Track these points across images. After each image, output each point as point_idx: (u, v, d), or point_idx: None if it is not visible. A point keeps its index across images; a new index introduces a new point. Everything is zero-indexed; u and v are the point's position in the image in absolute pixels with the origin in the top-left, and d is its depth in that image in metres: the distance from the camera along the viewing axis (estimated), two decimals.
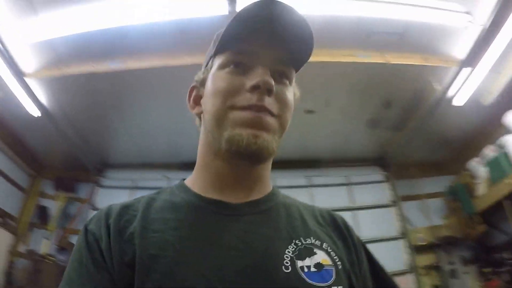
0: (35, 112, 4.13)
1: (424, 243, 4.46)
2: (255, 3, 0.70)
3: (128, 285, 0.59)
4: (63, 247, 4.51)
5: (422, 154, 4.80)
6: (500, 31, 2.93)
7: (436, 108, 3.86)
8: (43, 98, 4.12)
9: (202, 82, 0.81)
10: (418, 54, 3.51)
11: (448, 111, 3.90)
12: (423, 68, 3.54)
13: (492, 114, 3.95)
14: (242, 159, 0.70)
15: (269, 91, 0.69)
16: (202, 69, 0.83)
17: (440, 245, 4.47)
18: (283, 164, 4.55)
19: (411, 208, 4.68)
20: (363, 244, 0.81)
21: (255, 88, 0.69)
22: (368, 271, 0.77)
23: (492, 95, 3.61)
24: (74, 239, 4.19)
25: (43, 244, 4.56)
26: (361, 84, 3.78)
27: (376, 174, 4.71)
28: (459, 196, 4.47)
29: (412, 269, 4.31)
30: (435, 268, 4.42)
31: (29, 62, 3.85)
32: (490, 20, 2.91)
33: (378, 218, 4.48)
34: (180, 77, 3.55)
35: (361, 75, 3.68)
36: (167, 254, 0.60)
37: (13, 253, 4.38)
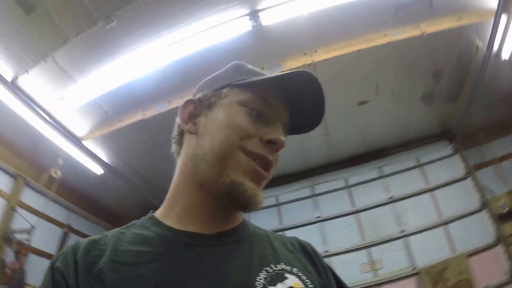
0: (98, 170, 4.40)
1: (508, 209, 4.15)
2: (302, 72, 0.72)
3: None
4: None
5: (485, 117, 4.51)
6: None
7: (486, 66, 3.63)
8: (102, 155, 4.37)
9: (208, 104, 0.78)
10: (451, 16, 3.36)
11: (499, 66, 3.66)
12: (460, 29, 3.38)
13: None
14: (234, 205, 0.70)
15: (277, 151, 0.73)
16: (209, 90, 0.80)
17: None
18: (352, 162, 4.54)
19: (487, 176, 4.39)
20: (330, 268, 0.81)
21: (270, 143, 0.70)
22: None
23: None
24: None
25: None
26: (405, 62, 3.67)
27: (445, 149, 4.48)
28: None
29: (500, 239, 4.03)
30: None
31: (81, 126, 4.17)
32: None
33: (456, 194, 4.25)
34: None
35: (402, 53, 3.57)
36: None
37: None
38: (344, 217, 4.30)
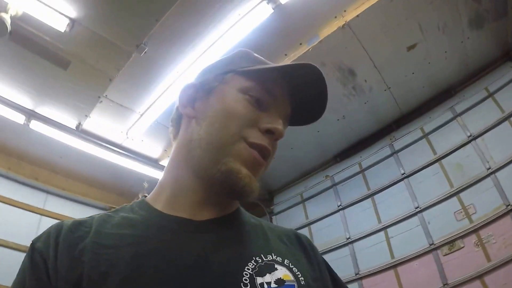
0: None
1: None
2: (307, 64, 0.73)
3: None
4: None
5: None
6: None
7: None
8: None
9: (209, 89, 0.76)
10: None
11: None
12: None
13: None
14: (228, 193, 0.70)
15: (276, 140, 0.73)
16: (211, 74, 0.78)
17: None
18: (423, 108, 4.33)
19: None
20: (326, 263, 0.80)
21: (268, 132, 0.70)
22: (331, 286, 0.76)
23: None
24: None
25: None
26: None
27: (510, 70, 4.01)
28: None
29: None
30: None
31: (154, 148, 4.48)
32: None
33: None
34: None
35: None
36: (118, 271, 0.56)
37: None
38: (428, 168, 4.06)
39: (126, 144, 4.39)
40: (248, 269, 0.62)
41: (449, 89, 4.22)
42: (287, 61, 3.68)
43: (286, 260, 0.67)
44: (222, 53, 3.49)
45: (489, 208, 3.44)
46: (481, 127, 3.77)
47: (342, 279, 0.81)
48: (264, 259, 0.65)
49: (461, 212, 3.61)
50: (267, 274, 0.62)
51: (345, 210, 4.53)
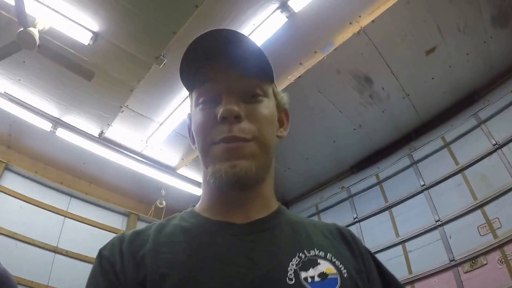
0: (198, 192, 4.80)
1: None
2: (194, 40, 0.72)
3: None
4: None
5: None
6: None
7: None
8: (199, 178, 4.78)
9: (191, 119, 0.82)
10: None
11: None
12: None
13: None
14: (228, 190, 0.72)
15: (236, 118, 0.70)
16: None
17: None
18: (444, 116, 4.19)
19: None
20: (371, 253, 0.80)
21: (223, 119, 0.70)
22: (378, 279, 0.76)
23: None
24: None
25: None
26: None
27: None
28: None
29: None
30: None
31: (172, 157, 4.61)
32: None
33: None
34: (304, 88, 3.80)
35: None
36: (176, 272, 0.63)
37: None
38: (450, 179, 3.90)
39: (146, 152, 4.56)
40: (293, 264, 0.65)
41: (472, 94, 4.03)
42: (301, 70, 3.69)
43: (328, 254, 0.70)
44: None
45: None
46: (507, 134, 3.55)
47: None
48: (307, 255, 0.68)
49: (485, 226, 3.42)
50: (311, 269, 0.65)
51: (361, 223, 4.43)
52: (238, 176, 0.68)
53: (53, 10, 3.12)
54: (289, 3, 3.22)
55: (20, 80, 3.75)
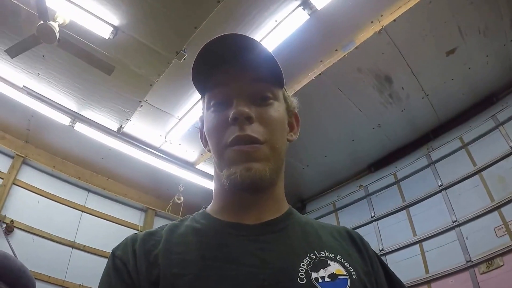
0: None
1: None
2: (208, 43, 0.74)
3: None
4: None
5: None
6: None
7: None
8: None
9: (203, 122, 0.84)
10: None
11: None
12: None
13: None
14: (243, 192, 0.73)
15: (248, 119, 0.71)
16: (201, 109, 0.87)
17: None
18: (463, 117, 4.18)
19: None
20: (378, 257, 0.81)
21: (235, 120, 0.71)
22: (385, 282, 0.77)
23: None
24: None
25: None
26: None
27: None
28: None
29: None
30: None
31: (190, 153, 4.63)
32: None
33: None
34: (324, 85, 3.80)
35: None
36: (188, 272, 0.64)
37: None
38: (467, 180, 3.89)
39: (164, 147, 4.54)
40: (303, 265, 0.66)
41: (491, 96, 4.03)
42: (322, 68, 3.68)
43: (338, 255, 0.71)
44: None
45: None
46: None
47: None
48: (318, 255, 0.69)
49: (502, 227, 3.42)
50: (321, 270, 0.66)
51: (379, 221, 4.43)
52: (253, 179, 0.69)
53: (74, 3, 3.11)
54: (312, 0, 3.19)
55: (39, 74, 3.74)
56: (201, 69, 0.76)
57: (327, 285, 0.64)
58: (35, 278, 1.61)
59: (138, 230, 4.85)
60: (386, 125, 4.29)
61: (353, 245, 0.78)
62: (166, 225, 0.80)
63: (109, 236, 4.46)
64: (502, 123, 3.82)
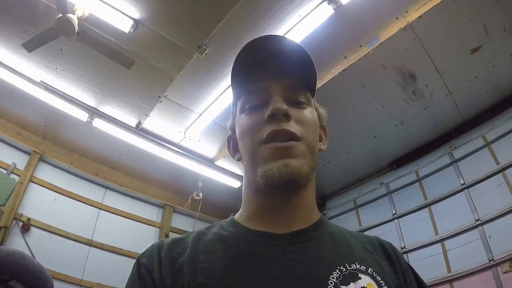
0: (236, 184, 4.78)
1: None
2: (248, 44, 0.75)
3: None
4: None
5: None
6: None
7: None
8: (237, 170, 4.75)
9: (233, 129, 0.84)
10: None
11: None
12: None
13: None
14: (279, 190, 0.71)
15: (285, 116, 0.71)
16: (231, 117, 0.87)
17: None
18: (486, 115, 4.13)
19: None
20: (411, 269, 0.79)
21: (272, 117, 0.71)
22: None
23: None
24: None
25: None
26: None
27: None
28: None
29: None
30: None
31: (210, 149, 4.61)
32: None
33: None
34: (348, 81, 3.74)
35: None
36: (213, 282, 0.63)
37: None
38: (490, 178, 3.85)
39: (183, 143, 4.50)
40: (333, 277, 0.64)
41: None
42: (346, 64, 3.63)
43: (370, 268, 0.68)
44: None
45: None
46: None
47: None
48: (348, 268, 0.67)
49: None
50: (351, 283, 0.64)
51: (400, 219, 4.39)
52: (292, 174, 0.67)
53: None
54: None
55: (57, 68, 3.68)
56: (239, 72, 0.77)
57: None
58: (52, 277, 1.58)
59: (156, 226, 4.84)
60: (409, 122, 4.25)
61: (385, 257, 0.76)
62: (193, 232, 0.79)
63: (127, 234, 4.43)
64: None
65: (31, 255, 1.46)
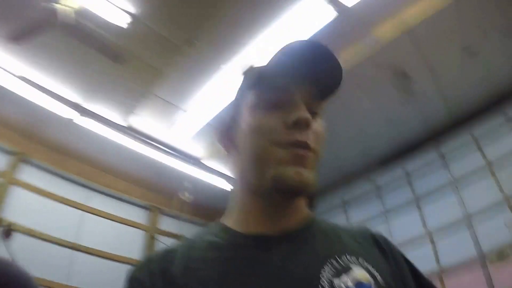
0: (223, 184, 4.74)
1: None
2: (291, 44, 0.75)
3: None
4: None
5: None
6: None
7: None
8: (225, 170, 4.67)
9: (234, 119, 0.82)
10: None
11: None
12: None
13: None
14: (285, 195, 0.73)
15: (308, 126, 0.71)
16: (232, 107, 0.85)
17: None
18: (476, 115, 4.22)
19: None
20: (404, 257, 0.80)
21: (295, 124, 0.70)
22: (413, 284, 0.75)
23: None
24: None
25: None
26: None
27: None
28: None
29: None
30: None
31: (198, 148, 4.53)
32: None
33: None
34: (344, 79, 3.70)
35: None
36: None
37: None
38: (478, 173, 3.97)
39: (170, 142, 4.38)
40: (324, 271, 0.65)
41: (509, 93, 4.11)
42: (341, 62, 3.63)
43: (360, 258, 0.69)
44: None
45: None
46: None
47: None
48: (339, 260, 0.68)
49: None
50: (343, 275, 0.65)
51: (388, 215, 4.50)
52: (304, 184, 0.68)
53: None
54: None
55: (39, 62, 3.45)
56: (270, 66, 0.76)
57: None
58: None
59: (144, 230, 4.69)
60: (399, 121, 4.33)
61: (376, 246, 0.77)
62: (184, 240, 0.80)
63: (113, 237, 4.28)
64: None
65: (17, 263, 1.37)
